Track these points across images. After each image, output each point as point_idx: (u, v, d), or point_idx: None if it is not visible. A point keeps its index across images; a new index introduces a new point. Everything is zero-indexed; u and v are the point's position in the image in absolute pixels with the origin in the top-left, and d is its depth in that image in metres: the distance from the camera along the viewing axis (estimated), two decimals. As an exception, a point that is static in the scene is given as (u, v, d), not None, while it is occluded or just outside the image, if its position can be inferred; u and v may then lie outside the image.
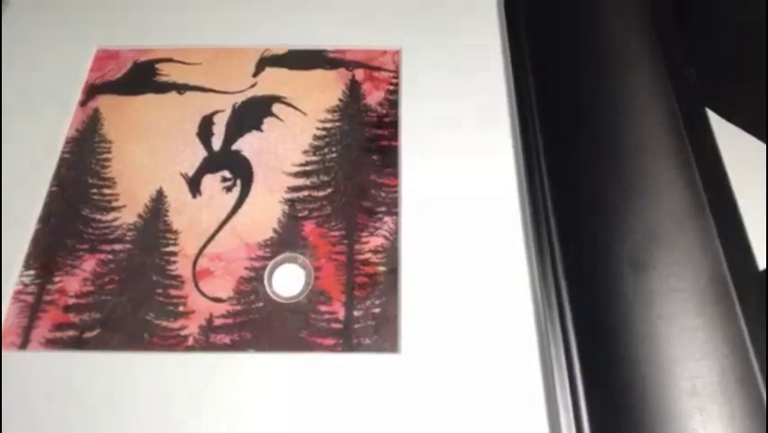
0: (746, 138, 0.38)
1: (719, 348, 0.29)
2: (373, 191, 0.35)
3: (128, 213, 0.35)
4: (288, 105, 0.38)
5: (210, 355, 0.31)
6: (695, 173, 0.33)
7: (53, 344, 0.31)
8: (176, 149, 0.37)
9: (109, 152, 0.37)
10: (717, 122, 0.36)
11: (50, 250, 0.33)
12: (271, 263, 0.33)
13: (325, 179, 0.36)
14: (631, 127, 0.35)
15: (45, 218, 0.34)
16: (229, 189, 0.35)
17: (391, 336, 0.31)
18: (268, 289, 0.32)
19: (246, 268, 0.33)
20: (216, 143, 0.37)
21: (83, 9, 0.42)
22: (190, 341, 0.31)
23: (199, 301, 0.32)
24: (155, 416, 0.29)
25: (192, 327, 0.31)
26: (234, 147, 0.37)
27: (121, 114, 0.38)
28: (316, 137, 0.37)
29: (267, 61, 0.40)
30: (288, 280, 0.33)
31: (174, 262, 0.33)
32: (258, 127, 0.38)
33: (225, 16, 0.42)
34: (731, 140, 0.35)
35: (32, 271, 0.33)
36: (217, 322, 0.32)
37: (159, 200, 0.35)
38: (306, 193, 0.35)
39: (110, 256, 0.33)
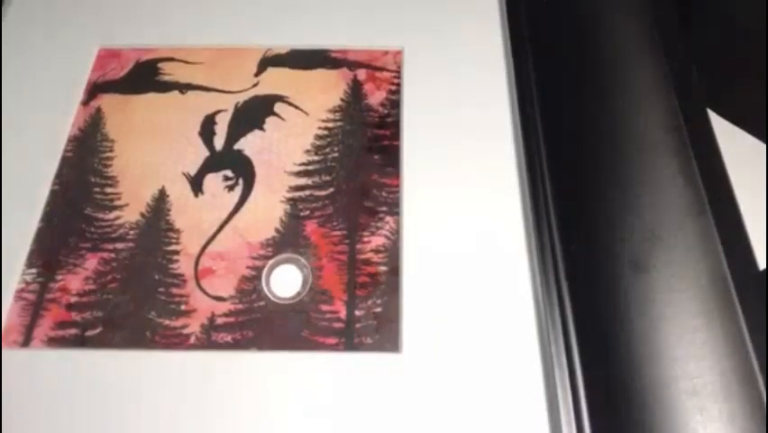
0: (747, 138, 0.38)
1: (719, 348, 0.29)
2: (375, 191, 0.35)
3: (130, 212, 0.35)
4: (290, 104, 0.38)
5: (212, 354, 0.31)
6: (696, 173, 0.33)
7: (55, 342, 0.31)
8: (178, 148, 0.37)
9: (111, 151, 0.37)
10: (717, 122, 0.36)
11: (53, 248, 0.34)
12: (270, 263, 0.33)
13: (327, 178, 0.36)
14: (632, 127, 0.35)
15: (47, 217, 0.34)
16: (231, 189, 0.36)
17: (392, 336, 0.31)
18: (266, 289, 0.32)
19: (248, 267, 0.33)
20: (218, 143, 0.37)
21: (85, 8, 0.42)
22: (192, 340, 0.31)
23: (201, 300, 0.32)
24: (157, 414, 0.29)
25: (194, 326, 0.32)
26: (236, 146, 0.37)
27: (123, 113, 0.38)
28: (318, 137, 0.37)
29: (269, 61, 0.40)
30: (286, 281, 0.33)
31: (176, 260, 0.33)
32: (260, 127, 0.38)
33: (227, 16, 0.42)
34: (732, 140, 0.35)
35: (34, 270, 0.33)
36: (219, 321, 0.32)
37: (161, 199, 0.35)
38: (307, 192, 0.35)
39: (112, 255, 0.33)
